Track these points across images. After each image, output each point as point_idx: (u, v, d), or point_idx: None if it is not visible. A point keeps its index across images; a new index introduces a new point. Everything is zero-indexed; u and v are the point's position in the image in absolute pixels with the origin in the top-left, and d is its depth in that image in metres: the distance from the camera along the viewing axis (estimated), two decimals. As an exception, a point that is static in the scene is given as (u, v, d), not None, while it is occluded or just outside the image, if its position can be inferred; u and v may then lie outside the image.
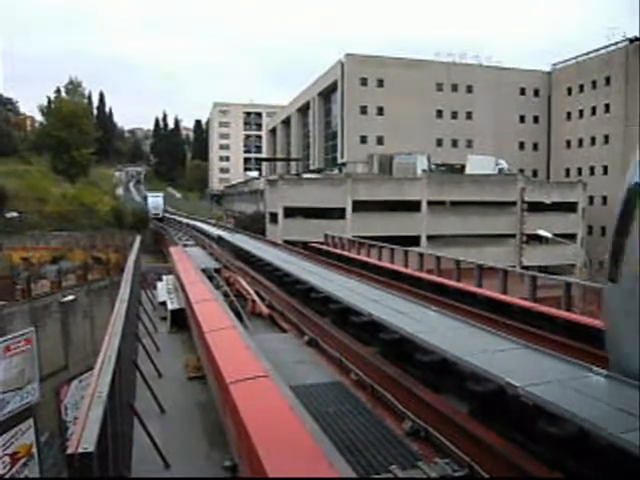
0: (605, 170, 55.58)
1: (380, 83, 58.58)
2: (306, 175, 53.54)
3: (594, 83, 57.45)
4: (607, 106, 55.67)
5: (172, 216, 71.80)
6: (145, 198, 78.11)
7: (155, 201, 72.12)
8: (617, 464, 4.00)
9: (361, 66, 58.29)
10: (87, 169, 75.64)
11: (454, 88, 61.03)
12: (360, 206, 41.09)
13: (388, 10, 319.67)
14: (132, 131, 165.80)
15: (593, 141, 57.57)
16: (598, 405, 4.60)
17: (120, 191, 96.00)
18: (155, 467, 5.94)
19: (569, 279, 12.93)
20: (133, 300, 10.58)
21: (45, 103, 79.20)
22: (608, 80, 55.64)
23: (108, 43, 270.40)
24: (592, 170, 57.05)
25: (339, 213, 40.88)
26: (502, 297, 11.20)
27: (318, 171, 60.56)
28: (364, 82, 58.43)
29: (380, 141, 58.18)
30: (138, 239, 24.42)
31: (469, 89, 61.45)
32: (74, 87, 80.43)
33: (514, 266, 36.67)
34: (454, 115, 61.32)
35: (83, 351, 23.04)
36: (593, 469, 4.27)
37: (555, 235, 34.90)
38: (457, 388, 6.04)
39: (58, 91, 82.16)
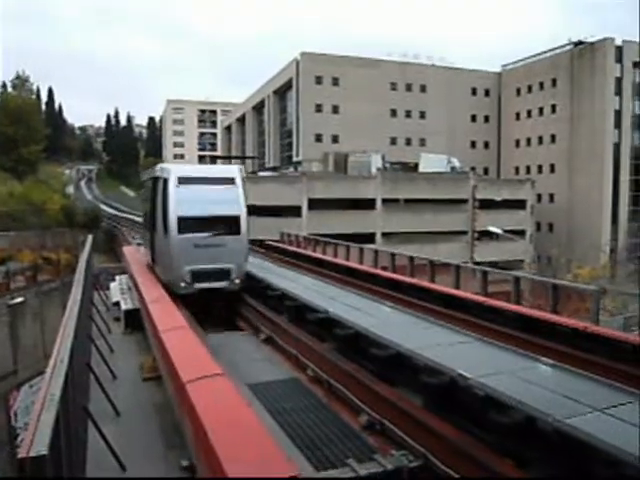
0: (552, 168, 57.37)
1: (335, 82, 58.74)
2: (262, 173, 53.19)
3: (541, 84, 59.12)
4: (553, 107, 57.42)
5: (129, 216, 69.19)
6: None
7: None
8: (562, 448, 4.18)
9: (316, 64, 58.30)
10: (36, 167, 73.14)
11: (408, 88, 61.75)
12: (316, 204, 41.22)
13: (344, 10, 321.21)
14: (83, 128, 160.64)
15: (540, 140, 59.29)
16: (545, 393, 4.80)
17: (71, 189, 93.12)
18: (111, 470, 5.85)
19: (518, 273, 13.29)
20: (85, 301, 10.35)
21: (-10, 99, 76.22)
22: (554, 82, 57.40)
23: (58, 38, 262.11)
24: (540, 168, 58.77)
25: (295, 211, 40.88)
26: (455, 292, 11.46)
27: (274, 169, 60.28)
28: (319, 80, 58.45)
29: (335, 139, 58.35)
30: (90, 238, 23.79)
31: (423, 89, 62.27)
32: (21, 82, 77.82)
33: (466, 262, 37.44)
34: (408, 114, 62.03)
35: (33, 355, 22.34)
36: (540, 454, 4.45)
37: (505, 231, 35.80)
38: (412, 381, 6.17)
39: (4, 86, 79.36)
